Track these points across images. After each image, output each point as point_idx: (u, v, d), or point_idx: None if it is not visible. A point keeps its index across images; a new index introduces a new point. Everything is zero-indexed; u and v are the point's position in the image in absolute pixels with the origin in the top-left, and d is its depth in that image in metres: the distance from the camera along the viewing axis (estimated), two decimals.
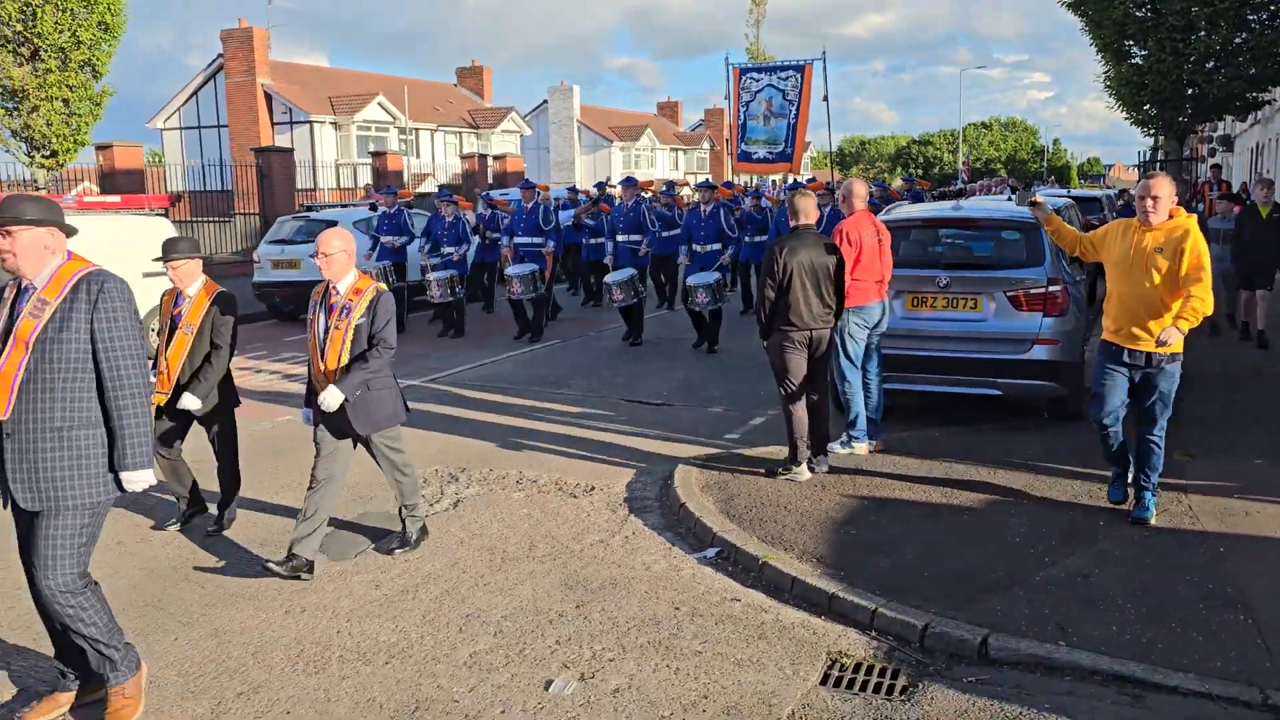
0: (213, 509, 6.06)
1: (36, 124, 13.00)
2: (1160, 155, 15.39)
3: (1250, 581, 4.78)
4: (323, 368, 5.15)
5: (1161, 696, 3.85)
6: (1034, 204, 5.98)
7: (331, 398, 5.06)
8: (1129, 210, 9.88)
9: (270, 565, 5.10)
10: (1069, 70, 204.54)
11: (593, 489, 6.62)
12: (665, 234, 13.27)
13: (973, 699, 3.90)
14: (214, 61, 37.55)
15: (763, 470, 6.61)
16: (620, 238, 13.00)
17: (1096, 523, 5.56)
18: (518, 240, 12.93)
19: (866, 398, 6.96)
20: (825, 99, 17.93)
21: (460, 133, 44.17)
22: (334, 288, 5.16)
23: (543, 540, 5.72)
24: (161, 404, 5.70)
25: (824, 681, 4.09)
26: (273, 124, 37.20)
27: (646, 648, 4.38)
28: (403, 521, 5.66)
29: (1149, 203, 5.22)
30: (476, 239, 14.42)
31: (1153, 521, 5.50)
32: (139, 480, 3.65)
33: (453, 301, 12.90)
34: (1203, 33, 10.92)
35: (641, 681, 4.09)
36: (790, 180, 14.44)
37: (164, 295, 5.93)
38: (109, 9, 13.46)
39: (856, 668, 4.20)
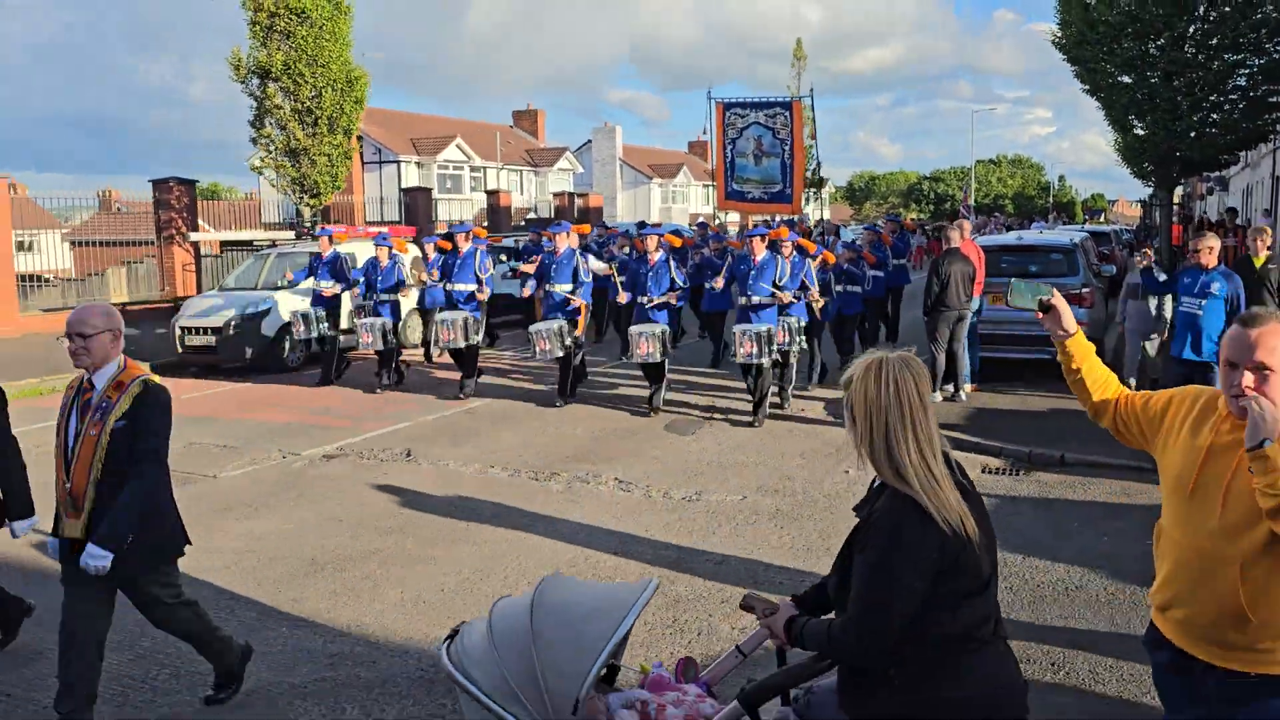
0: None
1: (310, 174, 17.42)
2: (1157, 200, 19.81)
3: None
4: (68, 486, 3.92)
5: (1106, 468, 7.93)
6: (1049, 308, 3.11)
7: (95, 561, 3.78)
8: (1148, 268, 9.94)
9: None
10: (1070, 106, 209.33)
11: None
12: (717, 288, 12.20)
13: (1056, 475, 8.03)
14: None
15: None
16: (558, 287, 11.17)
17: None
18: (452, 286, 12.02)
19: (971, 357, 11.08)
20: (814, 136, 18.18)
21: (521, 170, 48.58)
22: (89, 380, 3.96)
23: (740, 433, 9.83)
24: None
25: (982, 472, 8.17)
26: (363, 163, 41.52)
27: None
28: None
29: (1248, 370, 2.40)
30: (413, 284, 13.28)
31: None
32: None
33: (386, 350, 12.39)
34: (1184, 112, 15.16)
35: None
36: (759, 224, 13.82)
37: None
38: (361, 87, 17.91)
39: (997, 469, 8.29)
